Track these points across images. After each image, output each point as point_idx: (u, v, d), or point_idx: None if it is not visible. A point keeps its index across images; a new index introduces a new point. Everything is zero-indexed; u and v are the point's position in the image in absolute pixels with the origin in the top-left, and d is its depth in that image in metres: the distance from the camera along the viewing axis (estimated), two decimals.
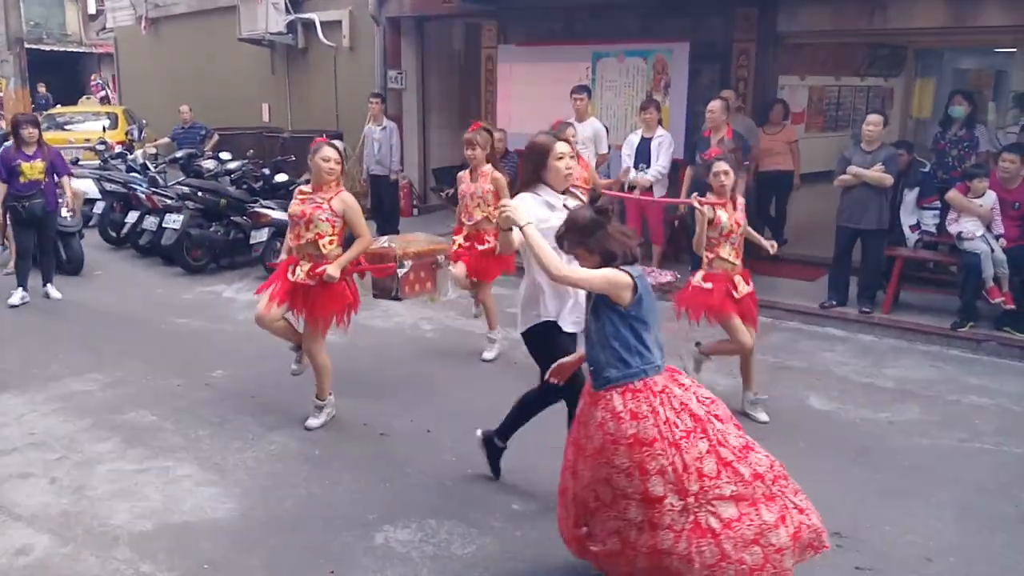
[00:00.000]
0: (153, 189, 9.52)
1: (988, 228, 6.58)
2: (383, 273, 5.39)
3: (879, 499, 4.19)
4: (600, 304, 3.13)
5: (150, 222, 9.17)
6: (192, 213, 8.89)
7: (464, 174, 6.17)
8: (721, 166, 4.91)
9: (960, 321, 6.60)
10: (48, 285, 7.88)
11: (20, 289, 7.65)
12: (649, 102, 8.12)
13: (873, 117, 6.91)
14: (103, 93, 22.96)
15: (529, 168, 3.87)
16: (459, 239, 6.13)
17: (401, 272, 5.51)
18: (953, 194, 6.71)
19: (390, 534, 3.86)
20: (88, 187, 10.10)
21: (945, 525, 3.96)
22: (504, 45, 10.53)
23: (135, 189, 9.60)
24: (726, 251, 4.98)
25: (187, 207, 8.91)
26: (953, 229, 6.68)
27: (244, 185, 9.41)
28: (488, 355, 6.25)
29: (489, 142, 6.00)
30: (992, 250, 6.45)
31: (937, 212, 7.16)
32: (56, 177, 7.78)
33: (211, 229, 8.96)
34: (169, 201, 9.05)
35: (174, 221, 8.78)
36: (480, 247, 5.97)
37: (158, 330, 7.03)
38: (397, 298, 5.57)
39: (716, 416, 3.05)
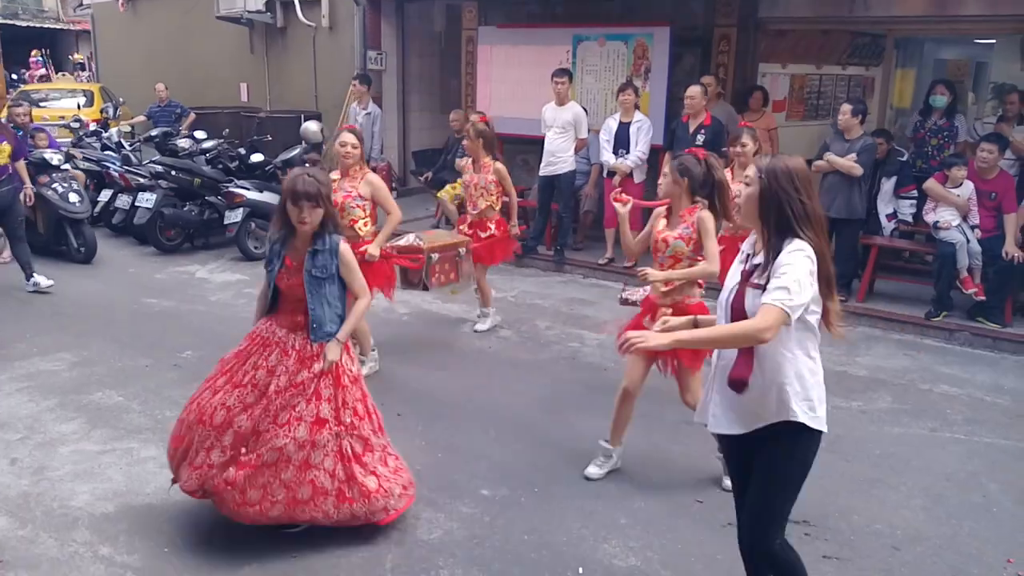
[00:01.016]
0: (127, 167, 9.38)
1: (964, 219, 6.60)
2: (414, 265, 5.59)
3: (848, 488, 4.19)
4: None
5: (123, 201, 9.03)
6: (166, 192, 8.77)
7: (466, 164, 6.34)
8: (674, 163, 4.08)
9: (934, 311, 6.62)
10: (34, 275, 7.30)
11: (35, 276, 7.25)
12: (627, 85, 8.06)
13: (843, 107, 6.92)
14: (42, 71, 22.17)
15: None
16: (464, 228, 6.36)
17: (430, 264, 5.71)
18: (931, 183, 6.72)
19: None
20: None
21: (914, 514, 3.96)
22: (484, 27, 10.41)
23: (108, 167, 9.44)
24: (654, 268, 4.14)
25: (161, 186, 8.78)
26: (929, 218, 6.69)
27: (219, 165, 9.28)
28: (481, 327, 6.52)
29: (488, 134, 6.19)
30: (968, 240, 6.47)
31: (914, 201, 7.18)
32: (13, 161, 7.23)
33: (185, 209, 8.84)
34: (142, 180, 8.91)
35: (147, 200, 8.65)
36: (483, 234, 6.22)
37: (129, 310, 6.92)
38: (426, 288, 5.79)
39: None
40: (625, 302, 4.54)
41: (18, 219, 7.30)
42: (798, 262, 2.49)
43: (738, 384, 2.62)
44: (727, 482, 3.95)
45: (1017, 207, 6.56)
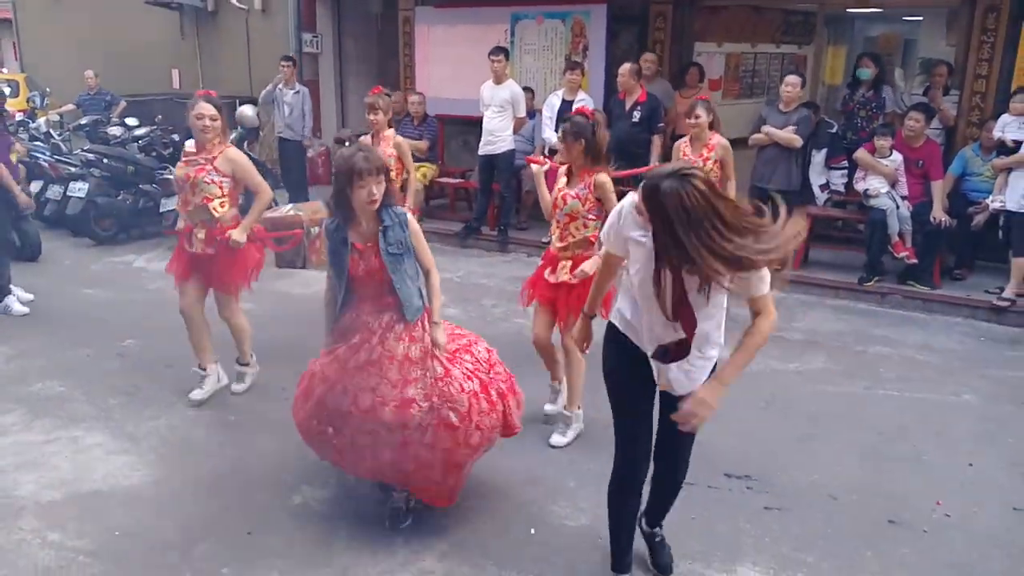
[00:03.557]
0: (56, 157, 9.08)
1: (893, 187, 6.84)
2: (290, 244, 5.15)
3: (787, 444, 4.36)
4: None
5: (54, 191, 8.75)
6: (98, 181, 8.52)
7: (366, 139, 5.84)
8: (565, 126, 4.12)
9: (866, 276, 6.88)
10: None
11: (15, 296, 6.49)
12: (575, 64, 8.12)
13: (791, 78, 7.06)
14: None
15: None
16: None
17: (308, 240, 5.26)
18: (861, 153, 6.95)
19: (308, 494, 3.84)
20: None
21: (849, 466, 4.14)
22: (422, 7, 10.33)
23: (37, 158, 9.11)
24: (552, 227, 4.31)
25: (93, 175, 8.53)
26: (860, 187, 6.93)
27: (153, 152, 9.05)
28: None
29: (391, 106, 5.89)
30: (897, 207, 6.72)
31: (845, 172, 7.41)
32: None
33: (119, 198, 8.60)
34: (73, 169, 8.66)
35: (79, 190, 8.41)
36: None
37: (66, 302, 6.74)
38: (303, 266, 5.32)
39: None
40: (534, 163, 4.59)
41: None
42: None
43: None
44: (548, 408, 4.53)
45: (943, 174, 6.84)
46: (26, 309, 6.40)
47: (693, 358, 2.75)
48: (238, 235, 4.57)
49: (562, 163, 4.29)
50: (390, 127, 5.84)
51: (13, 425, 4.52)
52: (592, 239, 4.24)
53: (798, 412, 4.75)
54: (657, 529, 3.26)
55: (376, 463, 3.40)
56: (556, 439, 4.33)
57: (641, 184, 2.51)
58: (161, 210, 8.37)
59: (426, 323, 3.44)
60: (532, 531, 3.56)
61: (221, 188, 4.58)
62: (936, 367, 5.48)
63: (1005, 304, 6.31)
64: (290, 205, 5.31)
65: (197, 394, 4.81)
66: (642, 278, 2.68)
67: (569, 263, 4.22)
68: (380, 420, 3.30)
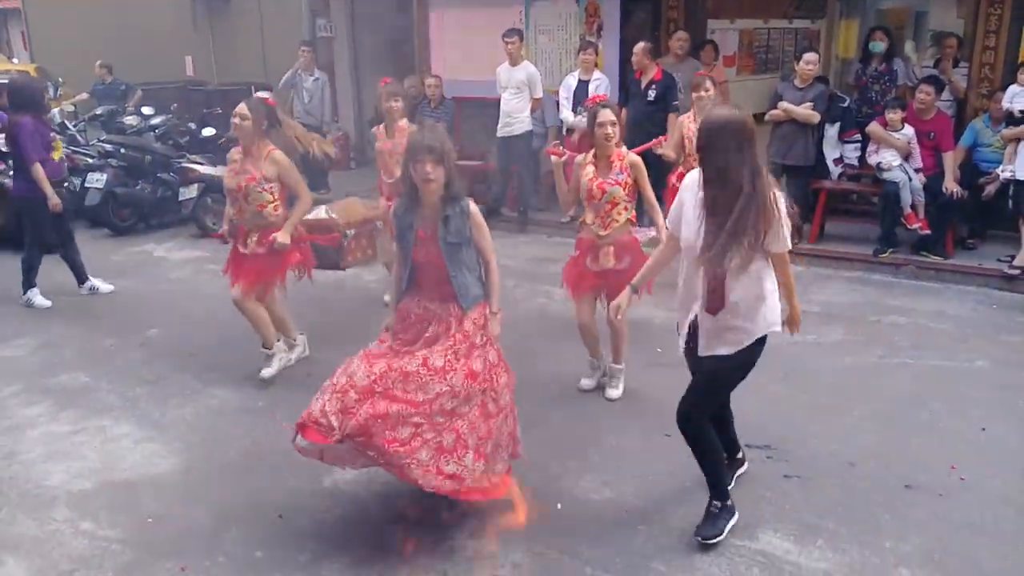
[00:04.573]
0: (73, 148, 9.14)
1: (906, 159, 6.83)
2: (329, 242, 5.32)
3: (805, 414, 4.41)
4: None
5: (72, 183, 8.82)
6: (116, 172, 8.58)
7: (379, 130, 5.91)
8: (607, 115, 4.22)
9: (881, 248, 6.88)
10: (92, 278, 6.84)
11: (36, 290, 6.51)
12: (588, 44, 8.12)
13: (810, 55, 7.05)
14: None
15: None
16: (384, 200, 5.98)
17: (345, 241, 5.42)
18: (874, 127, 6.93)
19: (338, 476, 3.89)
20: None
21: (866, 434, 4.19)
22: None
23: None
24: (590, 217, 4.39)
25: (110, 165, 8.60)
26: (873, 160, 6.92)
27: (170, 141, 9.14)
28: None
29: (407, 95, 5.88)
30: (910, 179, 6.71)
31: (858, 145, 7.40)
32: None
33: (137, 187, 8.67)
34: (91, 160, 8.73)
35: (97, 180, 8.46)
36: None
37: (88, 293, 6.82)
38: (341, 268, 5.54)
39: None
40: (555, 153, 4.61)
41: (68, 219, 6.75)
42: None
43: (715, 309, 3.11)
44: (584, 383, 4.68)
45: (954, 146, 6.82)
46: (48, 302, 6.48)
47: (730, 323, 3.08)
48: (282, 237, 4.71)
49: (576, 153, 4.41)
50: (403, 116, 5.77)
51: (40, 416, 4.60)
52: (633, 220, 4.39)
53: (816, 382, 4.80)
54: (715, 502, 3.37)
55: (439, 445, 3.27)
56: (611, 392, 4.59)
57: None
58: (180, 199, 8.44)
59: (486, 312, 3.49)
60: (559, 506, 3.63)
61: (272, 193, 4.75)
62: (950, 335, 5.51)
63: (1016, 272, 6.32)
64: (323, 207, 5.41)
65: (267, 372, 4.99)
66: (686, 238, 3.11)
67: (612, 248, 4.33)
68: (450, 384, 3.24)
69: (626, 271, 4.20)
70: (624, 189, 4.28)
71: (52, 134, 6.19)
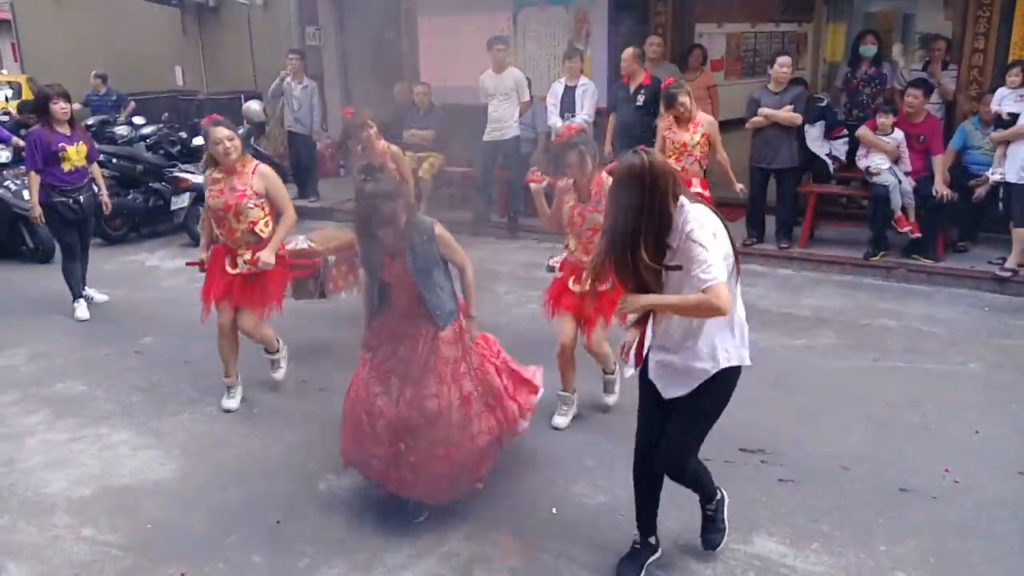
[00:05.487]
0: None
1: (896, 163, 6.88)
2: (306, 271, 5.20)
3: (798, 418, 4.45)
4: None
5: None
6: (107, 181, 8.57)
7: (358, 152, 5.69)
8: (571, 158, 4.16)
9: (871, 251, 6.94)
10: (87, 288, 6.71)
11: (82, 300, 6.49)
12: (573, 51, 8.17)
13: (783, 59, 7.15)
14: None
15: None
16: None
17: (327, 268, 5.35)
18: (863, 131, 6.99)
19: (333, 482, 3.93)
20: None
21: (859, 437, 4.23)
22: None
23: None
24: (572, 243, 4.35)
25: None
26: (862, 164, 6.98)
27: (161, 150, 9.13)
28: None
29: (374, 118, 5.62)
30: (899, 182, 6.77)
31: (846, 139, 7.43)
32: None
33: (129, 197, 8.68)
34: None
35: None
36: None
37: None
38: (323, 295, 5.45)
39: None
40: (552, 269, 4.65)
41: (92, 231, 6.75)
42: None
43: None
44: (558, 420, 4.42)
45: (943, 149, 6.89)
46: (86, 315, 6.41)
47: (666, 354, 2.90)
48: (267, 256, 4.53)
49: (558, 180, 4.35)
50: (379, 139, 5.53)
51: (38, 425, 4.61)
52: None
53: (808, 387, 4.84)
54: (708, 505, 3.31)
55: (452, 468, 3.50)
56: (608, 399, 4.59)
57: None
58: (172, 208, 8.45)
59: (463, 321, 3.58)
60: (554, 510, 3.66)
61: (263, 209, 4.59)
62: (941, 338, 5.56)
63: (1007, 274, 6.38)
64: (302, 237, 5.34)
65: (229, 403, 4.81)
66: None
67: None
68: (449, 422, 3.44)
69: (606, 293, 4.09)
70: (603, 215, 4.23)
71: (62, 144, 6.09)
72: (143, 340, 5.85)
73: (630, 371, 3.01)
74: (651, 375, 3.00)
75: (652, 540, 3.24)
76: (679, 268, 2.72)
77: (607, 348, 4.34)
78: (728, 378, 2.90)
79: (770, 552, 3.33)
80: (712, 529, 3.30)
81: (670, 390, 2.95)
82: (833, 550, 3.33)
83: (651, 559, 3.23)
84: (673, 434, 2.98)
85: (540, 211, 4.52)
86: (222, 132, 4.43)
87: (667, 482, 3.14)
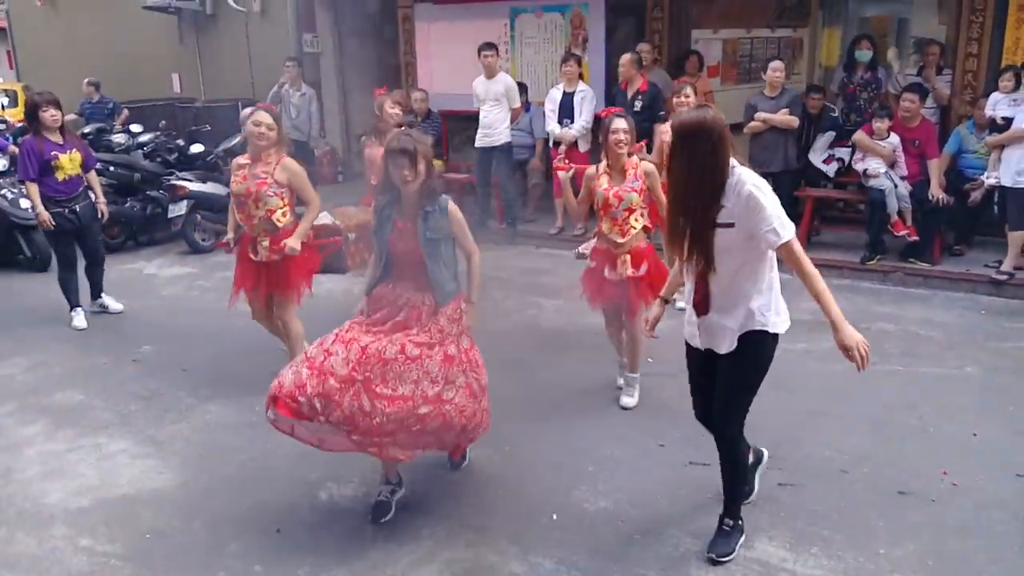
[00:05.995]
0: None
1: (892, 167, 6.91)
2: (330, 248, 5.36)
3: (797, 421, 4.46)
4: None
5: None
6: (105, 190, 8.55)
7: (371, 139, 5.85)
8: (619, 124, 4.32)
9: (868, 255, 6.96)
10: (102, 295, 6.71)
11: (80, 309, 6.45)
12: (569, 56, 8.20)
13: (776, 64, 7.19)
14: None
15: None
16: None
17: (347, 245, 5.48)
18: (860, 135, 7.02)
19: (334, 491, 3.93)
20: None
21: (858, 440, 4.24)
22: (421, 4, 10.40)
23: None
24: (606, 225, 4.42)
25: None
26: (859, 167, 7.01)
27: (158, 158, 9.12)
28: None
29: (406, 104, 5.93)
30: (896, 186, 6.79)
31: (849, 148, 7.46)
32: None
33: (126, 205, 8.67)
34: None
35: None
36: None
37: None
38: (342, 271, 5.57)
39: None
40: (581, 256, 4.79)
41: (98, 239, 6.66)
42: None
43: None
44: (626, 400, 4.61)
45: (939, 153, 6.92)
46: (84, 324, 6.38)
47: (720, 315, 3.04)
48: (293, 243, 4.68)
49: (583, 166, 4.52)
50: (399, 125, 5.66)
51: (37, 435, 4.59)
52: (649, 227, 4.47)
53: (807, 390, 4.84)
54: (727, 519, 3.34)
55: (407, 415, 3.38)
56: (626, 400, 4.63)
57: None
58: (169, 216, 8.43)
59: (461, 304, 3.60)
60: (555, 516, 3.65)
61: (282, 199, 4.73)
62: (939, 341, 5.57)
63: (1003, 277, 6.40)
64: (324, 212, 5.45)
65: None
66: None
67: (629, 256, 4.39)
68: (427, 370, 3.39)
69: (644, 277, 4.36)
70: (640, 195, 4.37)
71: (55, 152, 6.04)
72: (141, 349, 5.84)
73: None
74: (699, 341, 3.14)
75: (741, 521, 3.34)
76: (732, 226, 2.84)
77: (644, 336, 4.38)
78: (761, 343, 3.09)
79: (770, 556, 3.33)
80: (723, 544, 3.30)
81: (716, 345, 3.09)
82: (832, 554, 3.33)
83: (741, 540, 3.32)
84: (718, 392, 3.16)
85: (567, 200, 4.62)
86: (264, 117, 4.63)
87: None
